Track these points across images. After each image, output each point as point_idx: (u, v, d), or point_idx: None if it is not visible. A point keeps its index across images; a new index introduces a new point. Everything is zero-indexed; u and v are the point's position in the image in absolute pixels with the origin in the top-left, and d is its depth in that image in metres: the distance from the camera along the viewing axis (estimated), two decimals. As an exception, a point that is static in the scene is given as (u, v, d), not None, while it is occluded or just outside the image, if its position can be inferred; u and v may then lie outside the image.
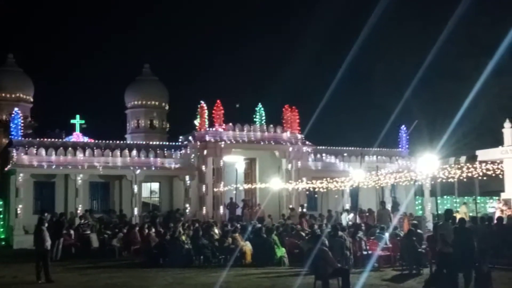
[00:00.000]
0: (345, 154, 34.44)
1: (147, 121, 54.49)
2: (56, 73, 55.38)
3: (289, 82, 49.70)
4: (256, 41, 69.21)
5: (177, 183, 32.11)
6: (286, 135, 32.87)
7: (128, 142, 40.02)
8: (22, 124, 31.65)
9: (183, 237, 21.43)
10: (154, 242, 21.85)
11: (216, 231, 23.14)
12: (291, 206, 30.59)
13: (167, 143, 35.38)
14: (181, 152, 31.63)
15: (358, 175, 25.19)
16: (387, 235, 20.07)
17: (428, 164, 18.64)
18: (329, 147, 35.20)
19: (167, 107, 56.00)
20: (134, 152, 30.66)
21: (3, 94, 49.33)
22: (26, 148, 28.89)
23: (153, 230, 23.38)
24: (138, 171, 30.21)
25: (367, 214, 28.82)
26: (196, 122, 32.54)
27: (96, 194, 31.33)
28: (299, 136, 33.10)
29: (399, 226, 23.14)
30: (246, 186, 32.03)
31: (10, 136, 31.54)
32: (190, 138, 32.37)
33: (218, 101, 31.90)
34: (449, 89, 39.81)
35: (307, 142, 33.19)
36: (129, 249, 23.45)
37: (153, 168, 30.79)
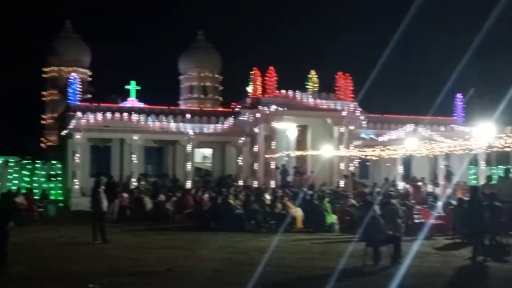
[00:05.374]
0: (399, 122, 34.03)
1: (201, 88, 54.75)
2: (113, 39, 55.87)
3: (343, 49, 49.02)
4: (313, 8, 68.25)
5: (229, 149, 32.38)
6: (339, 102, 32.59)
7: (182, 108, 40.42)
8: (79, 90, 32.30)
9: (235, 202, 21.71)
10: (206, 207, 22.23)
11: (267, 197, 23.33)
12: (345, 174, 30.49)
13: (220, 109, 35.54)
14: (233, 118, 31.83)
15: (411, 144, 24.85)
16: (439, 203, 19.87)
17: (484, 133, 18.25)
18: (382, 115, 34.82)
19: (220, 74, 56.09)
20: (188, 118, 31.03)
21: (61, 60, 50.18)
22: (83, 113, 29.56)
23: (206, 194, 23.74)
24: (191, 137, 30.61)
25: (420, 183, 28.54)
26: (249, 88, 32.60)
27: (150, 159, 31.98)
28: (352, 103, 32.78)
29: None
30: (298, 153, 32.02)
31: (67, 101, 32.23)
32: (243, 104, 32.52)
33: (271, 67, 31.84)
34: (508, 57, 38.55)
35: (360, 110, 32.88)
36: (182, 212, 23.93)
37: (206, 134, 31.13)
